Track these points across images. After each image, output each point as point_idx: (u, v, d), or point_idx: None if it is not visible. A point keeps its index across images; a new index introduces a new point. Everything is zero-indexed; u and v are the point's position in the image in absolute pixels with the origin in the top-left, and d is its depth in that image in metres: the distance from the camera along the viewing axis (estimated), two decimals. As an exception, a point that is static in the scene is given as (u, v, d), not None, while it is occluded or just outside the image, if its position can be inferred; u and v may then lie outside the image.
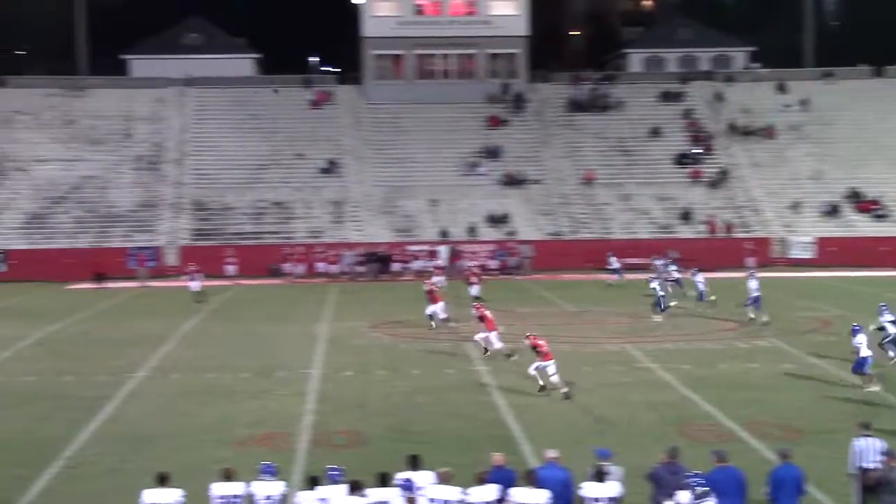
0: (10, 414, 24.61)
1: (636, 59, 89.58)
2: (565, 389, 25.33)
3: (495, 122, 73.74)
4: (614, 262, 53.50)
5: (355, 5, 77.38)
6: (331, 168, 69.77)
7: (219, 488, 14.62)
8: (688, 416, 23.54)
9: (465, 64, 77.29)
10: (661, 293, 39.89)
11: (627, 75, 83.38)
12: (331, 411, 24.43)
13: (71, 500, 18.17)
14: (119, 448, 21.30)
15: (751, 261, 57.70)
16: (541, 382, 25.84)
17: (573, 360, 29.91)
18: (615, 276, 52.33)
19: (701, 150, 71.56)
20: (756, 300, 38.45)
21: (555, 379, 25.58)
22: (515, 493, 14.39)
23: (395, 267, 60.59)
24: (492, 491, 14.51)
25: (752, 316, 38.28)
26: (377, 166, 70.72)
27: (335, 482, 14.55)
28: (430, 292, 39.01)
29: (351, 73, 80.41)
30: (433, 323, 37.73)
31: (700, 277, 43.75)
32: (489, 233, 64.78)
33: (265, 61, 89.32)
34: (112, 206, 66.43)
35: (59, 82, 77.44)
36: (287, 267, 60.08)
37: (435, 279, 46.42)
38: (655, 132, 72.93)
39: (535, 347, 26.18)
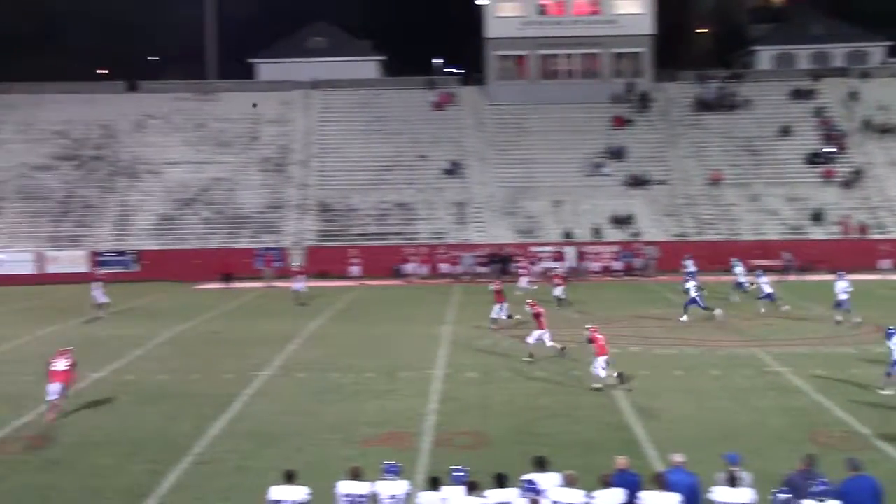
0: (143, 411, 25.13)
1: (765, 57, 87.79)
2: (609, 382, 26.35)
3: (620, 122, 73.02)
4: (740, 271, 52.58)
5: (479, 6, 77.37)
6: (454, 169, 69.91)
7: (345, 487, 14.69)
8: (820, 423, 22.88)
9: (590, 64, 76.67)
10: (696, 294, 39.42)
11: (756, 73, 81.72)
12: (454, 412, 24.39)
13: (200, 495, 18.45)
14: (246, 445, 21.59)
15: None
16: (613, 374, 26.66)
17: (701, 364, 29.39)
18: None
19: (834, 149, 69.74)
20: (842, 303, 37.56)
21: (603, 373, 26.39)
22: (646, 496, 14.16)
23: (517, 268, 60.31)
24: (617, 495, 14.29)
25: (840, 318, 37.48)
26: (500, 167, 70.63)
27: (459, 483, 14.48)
28: (498, 292, 38.79)
29: (474, 74, 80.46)
30: (493, 326, 37.64)
31: (765, 279, 42.70)
32: (613, 234, 64.14)
33: (390, 63, 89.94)
34: (239, 207, 67.62)
35: (189, 87, 79.18)
36: (410, 268, 60.38)
37: (522, 281, 46.00)
38: (785, 131, 71.37)
39: (591, 341, 26.79)
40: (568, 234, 63.46)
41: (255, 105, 74.96)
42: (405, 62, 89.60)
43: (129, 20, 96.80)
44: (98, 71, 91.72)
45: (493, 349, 33.45)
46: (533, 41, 75.60)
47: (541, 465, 15.16)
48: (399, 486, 14.68)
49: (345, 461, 17.91)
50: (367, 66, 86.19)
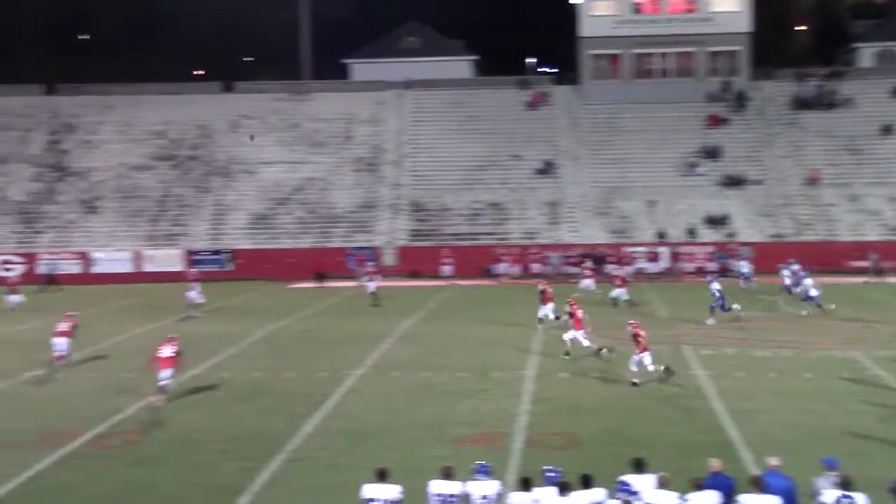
0: (238, 408, 25.39)
1: (867, 54, 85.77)
2: (659, 375, 27.02)
3: (715, 122, 72.06)
4: (787, 274, 51.95)
5: (573, 5, 76.94)
6: (547, 169, 69.62)
7: (437, 486, 14.66)
8: (921, 427, 22.29)
9: (685, 62, 75.76)
10: (720, 296, 39.11)
11: (857, 71, 79.93)
12: (545, 412, 24.24)
13: (293, 491, 18.57)
14: (339, 443, 21.68)
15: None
16: (651, 369, 26.99)
17: (796, 366, 28.87)
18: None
19: (936, 148, 68.08)
20: None
21: (650, 368, 26.90)
22: (744, 499, 13.91)
23: (610, 268, 59.77)
24: (710, 497, 14.06)
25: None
26: (593, 167, 70.16)
27: (551, 484, 14.36)
28: (543, 293, 38.40)
29: (568, 73, 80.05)
30: (541, 326, 37.37)
31: (810, 281, 41.74)
32: (708, 234, 63.31)
33: (482, 63, 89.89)
34: (333, 207, 68.11)
35: (283, 87, 79.99)
36: (501, 268, 60.26)
37: (585, 283, 45.41)
38: (888, 129, 69.76)
39: (635, 336, 27.24)
40: (661, 235, 62.81)
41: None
42: (498, 62, 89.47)
43: (225, 21, 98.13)
44: (194, 72, 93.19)
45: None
46: (627, 40, 74.92)
47: (639, 466, 14.98)
48: (490, 487, 14.61)
49: (436, 460, 17.85)
50: (459, 66, 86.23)
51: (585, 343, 30.81)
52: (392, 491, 14.53)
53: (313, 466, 20.05)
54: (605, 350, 30.64)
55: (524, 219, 66.37)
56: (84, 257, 63.96)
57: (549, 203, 67.33)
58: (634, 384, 26.75)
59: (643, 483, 14.44)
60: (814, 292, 40.98)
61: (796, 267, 46.76)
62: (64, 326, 31.05)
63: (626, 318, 34.01)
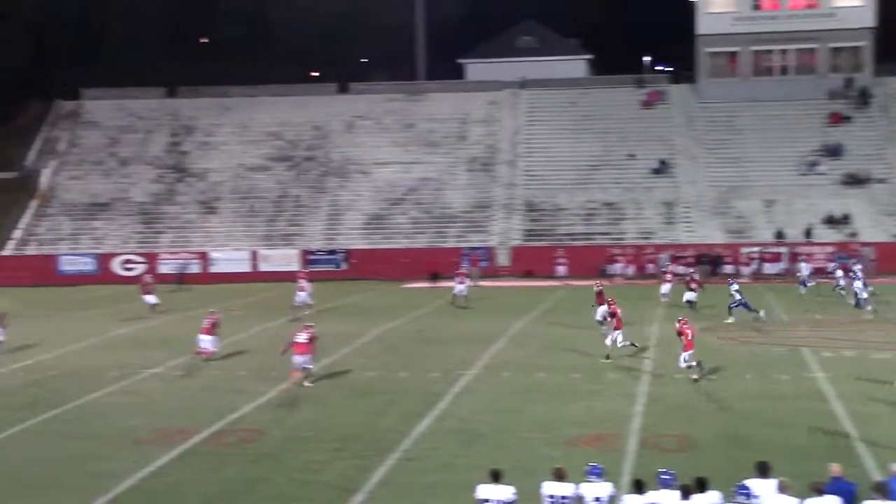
0: (352, 406, 25.52)
1: None
2: (695, 376, 27.09)
3: (837, 119, 70.37)
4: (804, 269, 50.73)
5: (690, 3, 75.83)
6: (662, 168, 68.78)
7: (549, 487, 14.50)
8: None
9: (805, 59, 74.08)
10: (739, 297, 38.92)
11: None
12: (660, 414, 23.89)
13: (406, 491, 18.54)
14: (451, 443, 21.62)
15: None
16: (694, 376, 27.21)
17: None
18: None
19: None
20: None
21: (684, 365, 27.35)
22: (868, 505, 13.47)
23: (727, 269, 58.78)
24: (831, 503, 13.61)
25: None
26: (710, 166, 69.10)
27: (666, 486, 14.08)
28: (599, 293, 37.88)
29: (684, 71, 78.90)
30: (604, 327, 36.62)
31: (860, 284, 40.30)
32: (828, 234, 61.83)
33: (598, 62, 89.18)
34: (447, 207, 68.23)
35: (398, 88, 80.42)
36: (616, 268, 59.68)
37: (664, 287, 44.53)
38: None
39: (680, 334, 27.54)
40: (780, 235, 61.51)
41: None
42: (613, 61, 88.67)
43: (340, 23, 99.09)
44: (310, 73, 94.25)
45: (702, 351, 32.58)
46: (746, 37, 73.50)
47: (763, 470, 14.56)
48: (603, 489, 14.39)
49: (549, 461, 17.67)
50: (575, 65, 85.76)
51: (621, 343, 30.46)
52: (506, 492, 14.39)
53: (426, 466, 20.01)
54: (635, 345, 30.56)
55: (640, 219, 65.69)
56: (203, 257, 65.12)
57: (665, 203, 66.52)
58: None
59: (764, 488, 14.05)
60: (863, 294, 40.41)
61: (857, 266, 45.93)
62: (207, 323, 32.04)
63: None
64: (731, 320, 38.82)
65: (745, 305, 39.10)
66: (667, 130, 72.72)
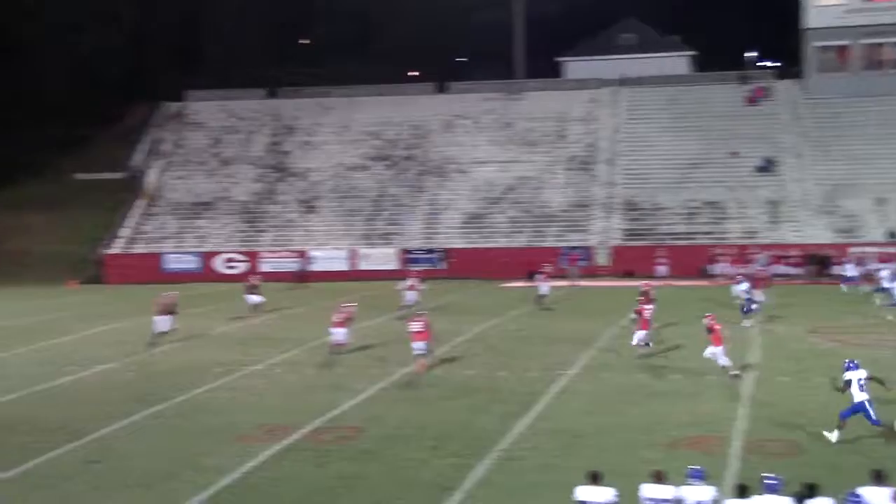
0: (450, 405, 25.48)
1: None
2: (735, 372, 27.23)
3: (952, 114, 68.40)
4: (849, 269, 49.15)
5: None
6: (767, 166, 67.55)
7: (649, 490, 14.28)
8: None
9: (919, 52, 71.99)
10: (748, 297, 38.41)
11: None
12: (765, 417, 23.37)
13: (505, 491, 18.41)
14: (551, 444, 21.43)
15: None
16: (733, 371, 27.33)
17: None
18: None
19: None
20: None
21: (723, 361, 27.31)
22: None
23: (836, 269, 57.41)
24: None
25: None
26: (818, 164, 67.68)
27: (772, 491, 13.73)
28: (645, 294, 37.22)
29: (791, 67, 77.35)
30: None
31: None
32: (940, 234, 60.21)
33: (700, 59, 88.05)
34: (545, 206, 67.92)
35: (497, 86, 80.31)
36: (718, 268, 58.77)
37: (739, 287, 43.34)
38: None
39: (710, 330, 27.42)
40: (892, 234, 59.95)
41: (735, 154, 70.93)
42: (716, 56, 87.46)
43: (439, 22, 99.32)
44: (409, 73, 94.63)
45: (809, 352, 31.96)
46: (857, 30, 71.59)
47: (879, 478, 14.09)
48: (705, 492, 14.10)
49: (649, 463, 17.41)
50: (676, 62, 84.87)
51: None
52: (606, 493, 14.21)
53: (524, 466, 19.85)
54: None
55: (743, 218, 64.61)
56: (303, 256, 65.72)
57: (770, 202, 65.33)
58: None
59: (878, 496, 13.59)
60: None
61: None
62: (340, 317, 32.64)
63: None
64: (748, 323, 37.87)
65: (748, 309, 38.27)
66: (772, 127, 71.42)
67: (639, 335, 31.00)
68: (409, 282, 45.66)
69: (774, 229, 63.36)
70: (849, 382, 21.00)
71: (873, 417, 20.74)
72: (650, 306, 32.94)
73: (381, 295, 52.38)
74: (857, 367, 21.20)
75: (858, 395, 20.74)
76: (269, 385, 28.75)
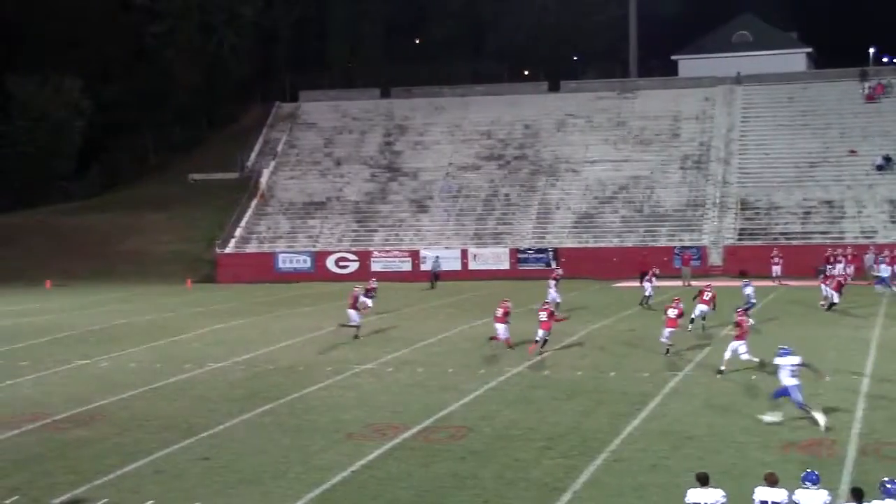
0: (560, 405, 25.37)
1: None
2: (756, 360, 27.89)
3: None
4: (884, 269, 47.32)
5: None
6: (887, 164, 65.91)
7: (761, 493, 14.07)
8: None
9: None
10: (753, 300, 37.90)
11: None
12: (883, 419, 22.84)
13: (614, 491, 18.27)
14: (660, 445, 21.21)
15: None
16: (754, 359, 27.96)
17: None
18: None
19: None
20: None
21: (745, 357, 27.96)
22: None
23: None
24: None
25: None
26: (940, 161, 65.87)
27: (890, 496, 13.41)
28: (701, 293, 37.05)
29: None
30: (689, 326, 36.27)
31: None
32: None
33: (817, 55, 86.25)
34: (658, 205, 67.25)
35: (609, 85, 79.77)
36: (836, 268, 57.43)
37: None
38: None
39: (737, 324, 28.33)
40: None
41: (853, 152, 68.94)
42: (835, 53, 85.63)
43: (551, 21, 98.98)
44: (522, 72, 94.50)
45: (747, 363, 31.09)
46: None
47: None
48: (819, 496, 13.83)
49: (762, 466, 17.16)
50: (793, 59, 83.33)
51: (745, 356, 28.11)
52: (715, 495, 14.06)
53: (634, 467, 19.68)
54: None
55: (861, 217, 63.14)
56: (414, 256, 66.06)
57: (890, 201, 63.71)
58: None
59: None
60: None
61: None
62: (500, 312, 33.59)
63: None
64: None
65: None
66: (892, 125, 69.66)
67: (735, 345, 29.65)
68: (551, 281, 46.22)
69: (894, 229, 61.77)
70: (779, 367, 22.62)
71: (800, 401, 22.32)
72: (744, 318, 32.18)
73: (492, 294, 52.48)
74: (788, 353, 22.73)
75: (787, 381, 22.32)
76: (380, 384, 28.96)
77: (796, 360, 22.49)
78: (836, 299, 42.31)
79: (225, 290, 61.81)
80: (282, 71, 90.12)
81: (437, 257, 64.02)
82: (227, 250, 69.30)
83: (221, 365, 32.68)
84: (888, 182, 65.07)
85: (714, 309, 37.48)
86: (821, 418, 21.86)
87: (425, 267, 63.75)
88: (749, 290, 40.83)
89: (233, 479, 19.61)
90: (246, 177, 77.24)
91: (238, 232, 70.96)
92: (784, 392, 22.47)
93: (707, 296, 37.20)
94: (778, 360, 22.77)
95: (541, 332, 32.47)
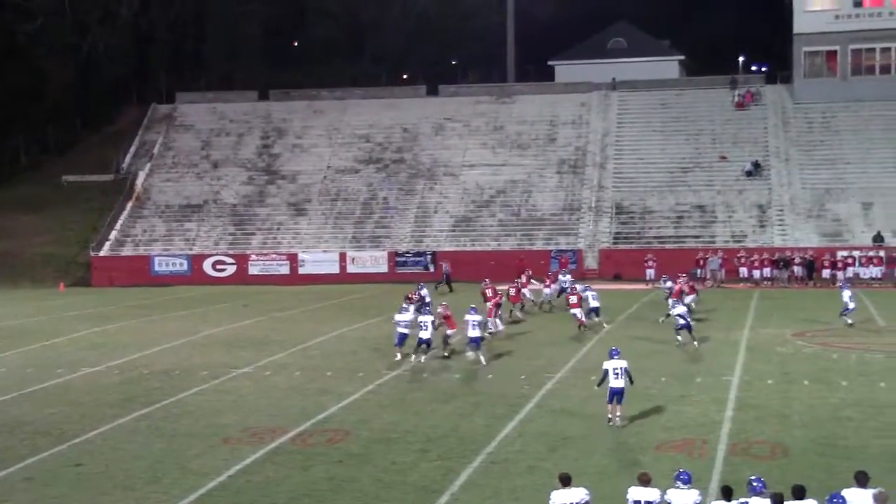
0: (438, 408, 25.47)
1: None
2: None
3: (941, 119, 68.55)
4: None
5: (787, 1, 74.38)
6: (756, 170, 67.70)
7: (635, 492, 14.35)
8: None
9: (908, 57, 71.97)
10: (852, 305, 38.21)
11: None
12: (751, 420, 23.46)
13: (491, 493, 18.43)
14: (537, 447, 21.46)
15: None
16: None
17: None
18: None
19: None
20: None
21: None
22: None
23: (826, 273, 57.47)
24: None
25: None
26: (805, 168, 67.82)
27: (757, 494, 13.79)
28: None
29: (779, 71, 77.48)
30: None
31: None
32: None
33: (690, 63, 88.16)
34: (535, 209, 67.98)
35: (488, 90, 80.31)
36: (708, 271, 58.83)
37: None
38: None
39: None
40: (878, 238, 60.07)
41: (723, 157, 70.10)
42: (706, 61, 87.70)
43: (430, 25, 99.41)
44: (401, 76, 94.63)
45: (794, 356, 32.06)
46: (846, 35, 71.48)
47: (861, 480, 14.12)
48: (689, 496, 14.15)
49: (636, 466, 17.49)
50: (666, 66, 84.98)
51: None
52: (578, 494, 14.36)
53: (511, 469, 19.88)
54: None
55: (731, 222, 64.75)
56: (292, 259, 65.66)
57: (758, 205, 65.47)
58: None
59: (860, 498, 13.64)
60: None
61: None
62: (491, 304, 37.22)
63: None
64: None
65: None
66: (761, 132, 71.54)
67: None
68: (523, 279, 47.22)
69: (762, 233, 63.51)
70: (606, 372, 23.24)
71: (620, 401, 23.18)
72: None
73: (371, 297, 52.53)
74: (617, 354, 23.60)
75: (613, 382, 23.01)
76: (257, 388, 28.73)
77: (623, 363, 23.26)
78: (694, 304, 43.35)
79: (99, 293, 60.61)
80: (158, 72, 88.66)
81: (448, 262, 62.36)
82: (102, 253, 67.92)
83: (96, 369, 32.09)
84: (757, 187, 66.82)
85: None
86: (619, 420, 23.05)
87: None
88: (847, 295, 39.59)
89: (106, 485, 19.29)
90: (121, 179, 75.72)
91: (113, 235, 69.60)
92: (611, 392, 23.15)
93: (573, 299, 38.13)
94: (606, 364, 23.36)
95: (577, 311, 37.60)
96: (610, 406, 23.15)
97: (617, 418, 23.06)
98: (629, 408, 24.12)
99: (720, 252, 59.36)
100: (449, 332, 33.35)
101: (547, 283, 47.78)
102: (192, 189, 73.40)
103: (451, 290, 55.51)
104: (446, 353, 32.66)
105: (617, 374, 23.09)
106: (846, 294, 38.64)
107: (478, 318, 30.66)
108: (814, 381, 27.84)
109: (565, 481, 14.56)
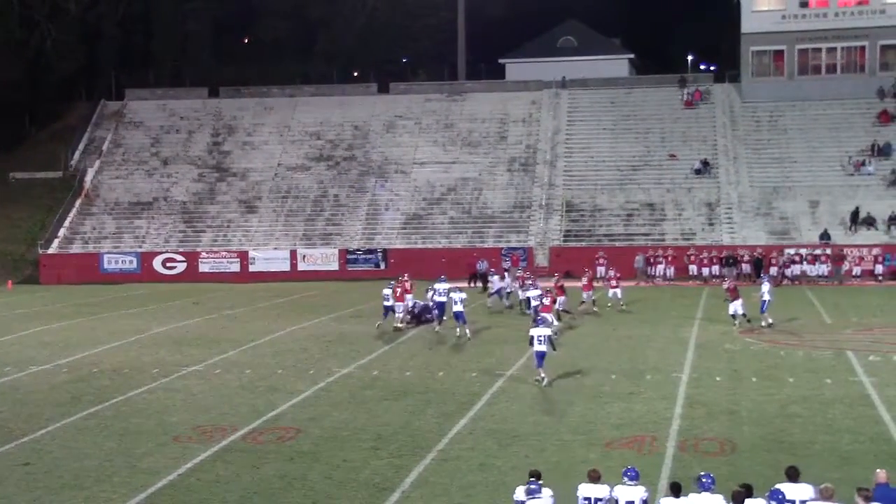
0: (389, 406, 25.47)
1: None
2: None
3: (886, 119, 69.47)
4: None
5: (735, 2, 75.08)
6: (704, 169, 68.28)
7: (585, 489, 14.43)
8: None
9: (853, 57, 72.88)
10: (768, 297, 38.25)
11: None
12: (700, 417, 23.66)
13: (442, 490, 18.47)
14: (488, 444, 21.53)
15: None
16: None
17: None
18: None
19: None
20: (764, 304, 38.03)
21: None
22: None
23: (773, 271, 58.00)
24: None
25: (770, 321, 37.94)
26: (753, 166, 68.51)
27: (705, 490, 13.93)
28: (733, 290, 38.60)
29: (728, 70, 78.19)
30: (736, 322, 37.79)
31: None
32: (876, 236, 61.07)
33: (639, 61, 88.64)
34: (486, 207, 68.13)
35: (438, 87, 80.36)
36: (657, 269, 59.24)
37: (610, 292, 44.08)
38: None
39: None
40: (825, 236, 60.78)
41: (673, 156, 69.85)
42: (656, 60, 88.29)
43: (381, 23, 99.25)
44: (351, 73, 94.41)
45: (742, 353, 32.37)
46: (792, 35, 72.41)
47: (792, 475, 14.36)
48: (636, 492, 14.26)
49: (586, 464, 17.59)
50: (616, 65, 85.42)
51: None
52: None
53: (462, 466, 19.94)
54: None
55: (681, 219, 65.25)
56: (243, 257, 65.36)
57: (707, 203, 66.03)
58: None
59: (798, 493, 13.84)
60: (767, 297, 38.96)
61: None
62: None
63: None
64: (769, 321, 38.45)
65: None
66: (709, 130, 72.18)
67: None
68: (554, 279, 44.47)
69: (711, 231, 64.07)
70: (532, 338, 27.49)
71: (541, 364, 27.45)
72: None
73: (321, 295, 52.41)
74: (541, 324, 28.71)
75: (537, 347, 27.28)
76: (207, 386, 28.58)
77: (546, 331, 27.95)
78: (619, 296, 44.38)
79: (48, 291, 59.99)
80: (107, 68, 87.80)
81: (484, 260, 61.33)
82: (51, 251, 67.28)
83: (44, 368, 31.78)
84: (706, 186, 67.38)
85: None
86: (544, 380, 27.16)
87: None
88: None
89: (55, 484, 19.13)
90: (70, 176, 74.99)
91: (62, 232, 68.93)
92: (537, 356, 27.37)
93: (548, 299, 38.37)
94: (531, 331, 27.76)
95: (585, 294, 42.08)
96: (538, 369, 27.28)
97: (543, 378, 27.07)
98: (584, 403, 24.23)
99: (650, 251, 60.60)
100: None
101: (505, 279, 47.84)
102: (142, 186, 72.85)
103: (485, 288, 54.27)
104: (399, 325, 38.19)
105: (541, 340, 27.18)
106: (765, 287, 38.95)
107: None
108: (762, 377, 28.11)
109: (536, 477, 14.54)
